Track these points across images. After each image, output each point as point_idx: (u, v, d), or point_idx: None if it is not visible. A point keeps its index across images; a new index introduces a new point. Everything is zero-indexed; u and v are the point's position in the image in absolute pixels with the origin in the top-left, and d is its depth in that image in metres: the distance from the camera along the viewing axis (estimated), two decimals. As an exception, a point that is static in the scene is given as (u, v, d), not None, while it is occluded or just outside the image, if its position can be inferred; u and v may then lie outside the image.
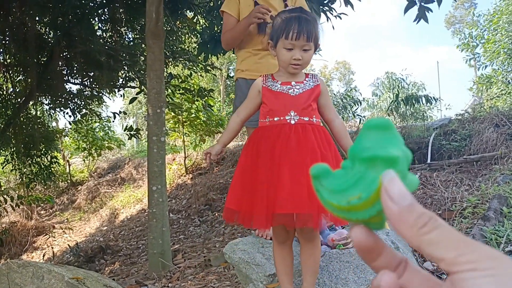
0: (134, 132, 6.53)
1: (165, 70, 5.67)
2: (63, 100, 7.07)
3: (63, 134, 10.19)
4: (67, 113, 7.23)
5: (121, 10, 6.22)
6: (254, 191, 1.47)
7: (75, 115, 7.28)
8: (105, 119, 9.19)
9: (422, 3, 3.61)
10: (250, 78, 2.23)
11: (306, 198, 1.38)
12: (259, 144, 1.53)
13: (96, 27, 6.58)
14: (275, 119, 1.53)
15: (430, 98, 8.14)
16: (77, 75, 6.98)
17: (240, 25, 2.22)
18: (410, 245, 0.30)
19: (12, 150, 7.05)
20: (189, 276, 3.12)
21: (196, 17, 6.21)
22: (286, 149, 1.46)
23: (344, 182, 0.32)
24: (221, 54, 5.35)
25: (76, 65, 6.74)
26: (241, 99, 2.21)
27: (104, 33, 6.71)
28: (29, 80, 6.55)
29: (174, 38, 6.64)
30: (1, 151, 7.05)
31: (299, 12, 1.55)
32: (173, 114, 7.79)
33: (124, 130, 6.61)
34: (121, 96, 7.96)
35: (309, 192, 1.39)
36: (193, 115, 8.09)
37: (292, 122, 1.51)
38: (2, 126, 6.63)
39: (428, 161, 5.18)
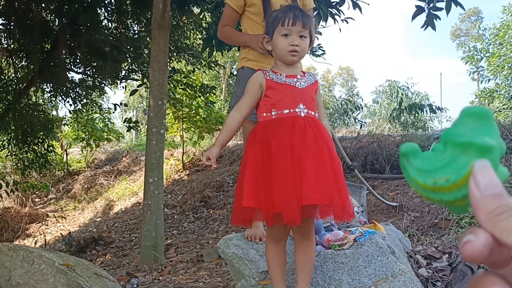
0: (133, 124, 6.50)
1: (169, 64, 5.65)
2: (64, 88, 7.04)
3: (63, 123, 10.16)
4: (68, 101, 7.21)
5: (128, 1, 6.20)
6: (270, 187, 1.41)
7: (75, 104, 7.26)
8: (105, 110, 9.16)
9: (431, 10, 3.61)
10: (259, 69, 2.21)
11: (332, 189, 1.39)
12: (268, 138, 1.46)
13: (102, 17, 6.56)
14: (285, 111, 1.47)
15: (434, 107, 8.14)
16: (80, 64, 6.95)
17: (241, 38, 2.21)
18: (483, 228, 0.30)
19: (10, 135, 7.02)
20: (181, 270, 3.10)
21: (203, 13, 6.19)
22: (304, 141, 1.43)
23: (433, 163, 0.33)
24: (226, 51, 5.33)
25: (79, 54, 6.71)
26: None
27: (109, 24, 6.69)
28: (32, 66, 6.52)
29: (179, 33, 6.62)
30: (-1, 136, 7.03)
31: (291, 5, 1.57)
32: (173, 109, 7.76)
33: (124, 122, 6.59)
34: (123, 88, 7.95)
35: (335, 183, 1.41)
36: (193, 111, 8.07)
37: (302, 115, 1.47)
38: (2, 111, 6.60)
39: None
